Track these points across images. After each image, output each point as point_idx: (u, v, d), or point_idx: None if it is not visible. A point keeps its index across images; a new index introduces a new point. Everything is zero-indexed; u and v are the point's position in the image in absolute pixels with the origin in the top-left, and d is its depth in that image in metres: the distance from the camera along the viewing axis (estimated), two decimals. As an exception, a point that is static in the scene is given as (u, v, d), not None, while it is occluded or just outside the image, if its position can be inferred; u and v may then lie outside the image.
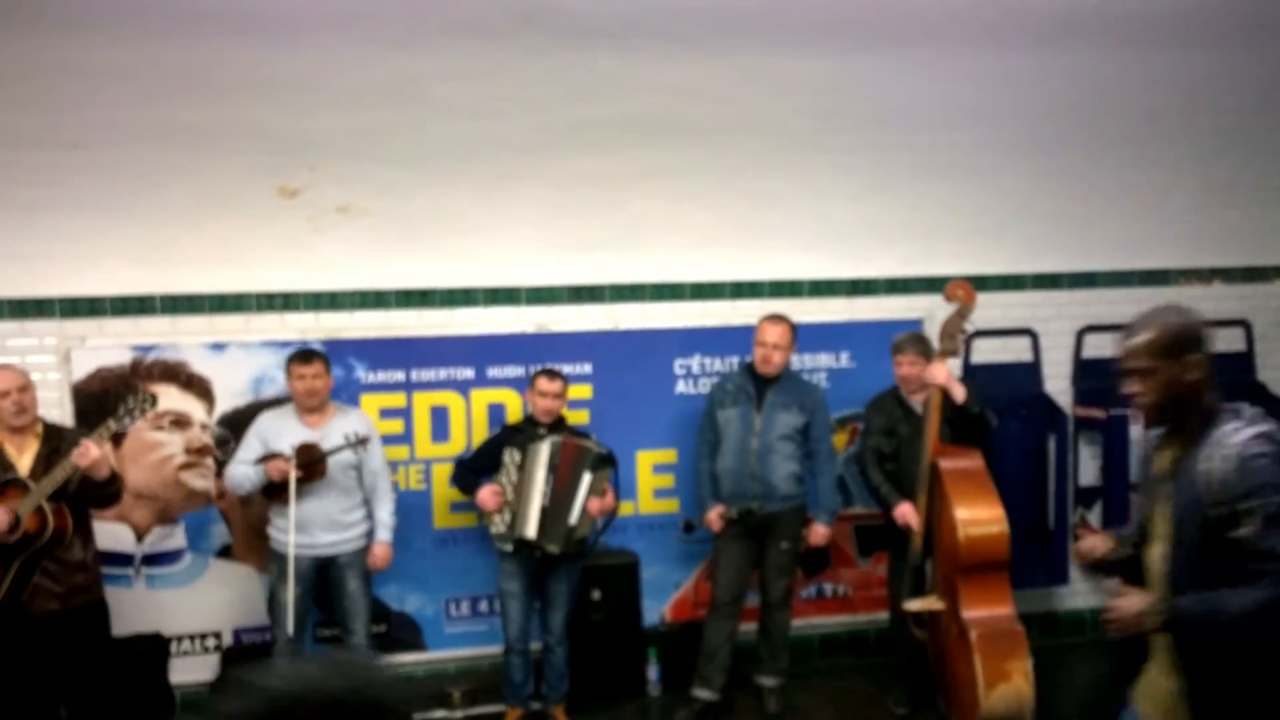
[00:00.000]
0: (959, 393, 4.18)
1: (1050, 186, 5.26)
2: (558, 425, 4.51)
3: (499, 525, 4.38)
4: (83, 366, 4.66)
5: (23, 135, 4.20)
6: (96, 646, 3.95)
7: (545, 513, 4.33)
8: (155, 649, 4.65)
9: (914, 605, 4.33)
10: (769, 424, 4.50)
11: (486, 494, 4.38)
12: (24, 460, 3.80)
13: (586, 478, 4.37)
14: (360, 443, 4.24)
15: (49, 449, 3.84)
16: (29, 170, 4.31)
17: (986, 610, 4.10)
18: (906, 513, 4.36)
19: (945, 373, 4.17)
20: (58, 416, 4.36)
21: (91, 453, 3.67)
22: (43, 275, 4.62)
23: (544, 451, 4.37)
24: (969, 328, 4.25)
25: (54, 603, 3.79)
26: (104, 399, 4.54)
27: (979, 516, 4.08)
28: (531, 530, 4.31)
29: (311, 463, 4.20)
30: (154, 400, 3.90)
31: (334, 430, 4.31)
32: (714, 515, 4.56)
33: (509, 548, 4.38)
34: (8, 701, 3.87)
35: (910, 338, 4.60)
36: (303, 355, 4.35)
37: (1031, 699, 4.01)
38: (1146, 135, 5.20)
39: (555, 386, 4.46)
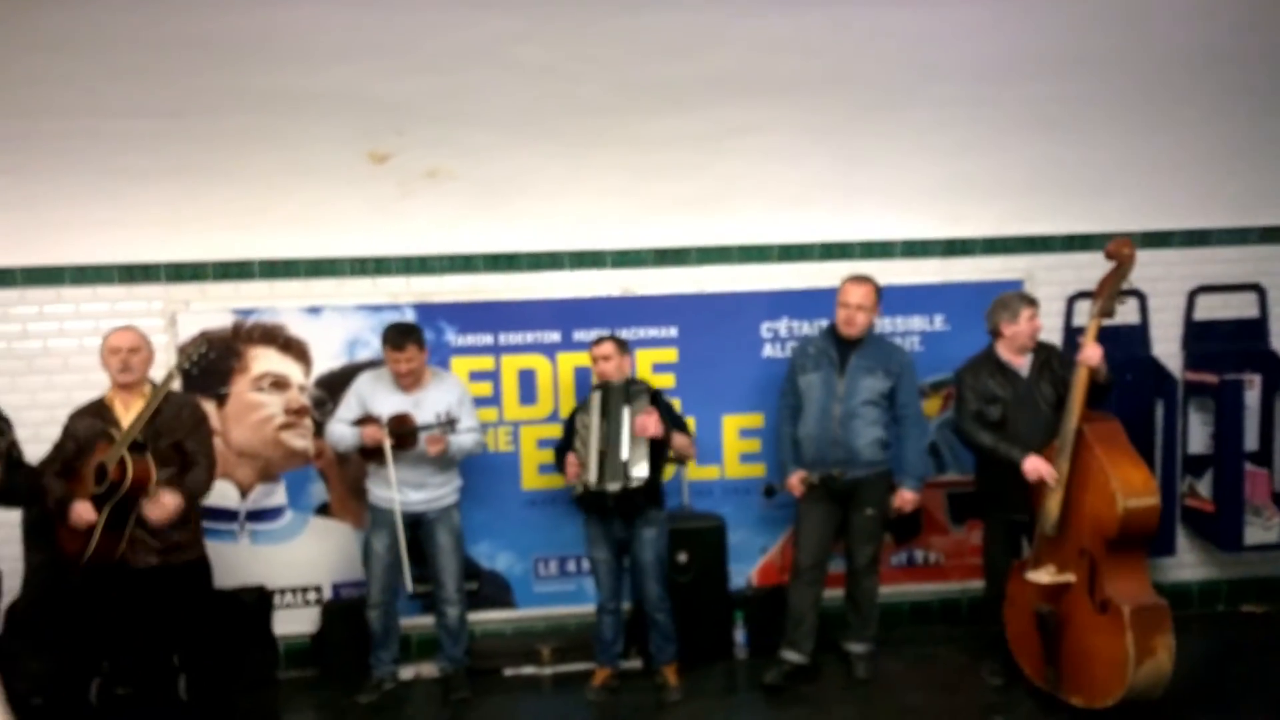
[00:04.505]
0: (1103, 371, 4.09)
1: (1161, 139, 4.98)
2: (629, 387, 4.50)
3: (578, 487, 4.43)
4: (188, 329, 4.84)
5: (128, 105, 4.35)
6: (196, 602, 4.11)
7: (603, 456, 4.37)
8: (260, 601, 4.85)
9: (1043, 578, 4.09)
10: (852, 388, 4.40)
11: (568, 462, 4.46)
12: (128, 418, 3.97)
13: (625, 410, 4.38)
14: (449, 424, 4.34)
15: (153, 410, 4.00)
16: (133, 139, 4.47)
17: (1133, 585, 3.97)
18: (1039, 466, 4.10)
19: (1100, 355, 4.05)
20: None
21: (168, 506, 3.86)
22: (149, 241, 4.81)
23: (595, 401, 4.45)
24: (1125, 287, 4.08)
25: (153, 557, 3.94)
26: (207, 360, 4.71)
27: (1136, 487, 3.91)
28: (593, 476, 4.36)
29: (404, 434, 4.33)
30: (206, 344, 4.19)
31: (428, 398, 4.43)
32: (795, 480, 4.49)
33: (584, 505, 4.44)
34: (123, 647, 4.09)
35: (1021, 294, 4.48)
36: (394, 342, 4.37)
37: (1170, 674, 3.90)
38: (1271, 82, 4.87)
39: (604, 349, 4.45)
